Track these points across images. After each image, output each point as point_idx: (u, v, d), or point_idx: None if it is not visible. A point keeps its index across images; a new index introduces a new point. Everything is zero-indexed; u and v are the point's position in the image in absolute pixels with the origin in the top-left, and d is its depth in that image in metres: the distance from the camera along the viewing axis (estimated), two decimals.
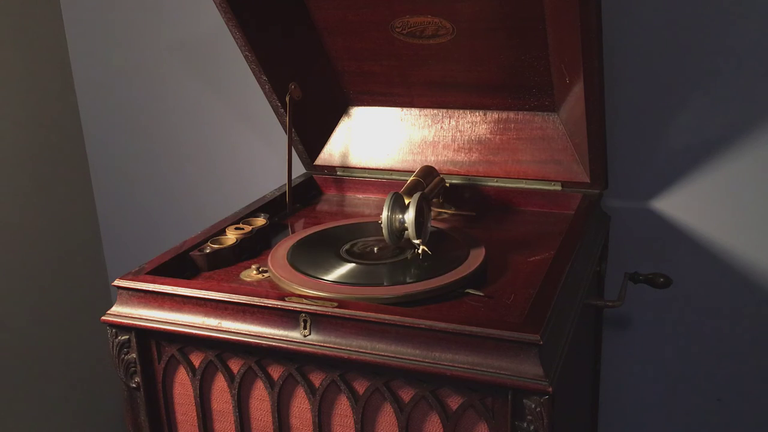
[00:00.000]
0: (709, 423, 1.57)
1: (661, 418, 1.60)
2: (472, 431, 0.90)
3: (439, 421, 0.91)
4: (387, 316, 0.90)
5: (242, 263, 1.17)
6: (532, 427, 0.84)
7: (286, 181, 1.41)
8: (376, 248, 1.15)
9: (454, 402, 0.90)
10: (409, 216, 1.09)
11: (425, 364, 0.88)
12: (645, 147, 1.46)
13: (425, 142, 1.47)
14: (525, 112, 1.40)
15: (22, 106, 1.82)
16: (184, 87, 1.83)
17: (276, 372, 0.98)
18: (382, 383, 0.92)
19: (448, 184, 1.37)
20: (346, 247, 1.17)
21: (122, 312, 1.04)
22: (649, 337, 1.56)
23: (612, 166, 1.46)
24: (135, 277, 1.05)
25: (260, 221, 1.28)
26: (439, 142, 1.46)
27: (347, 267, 1.10)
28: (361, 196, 1.51)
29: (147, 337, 1.04)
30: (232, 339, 0.97)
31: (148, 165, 1.94)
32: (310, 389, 0.97)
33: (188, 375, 1.04)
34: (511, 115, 1.41)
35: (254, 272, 1.12)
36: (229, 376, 1.01)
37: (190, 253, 1.15)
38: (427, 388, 0.90)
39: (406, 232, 1.10)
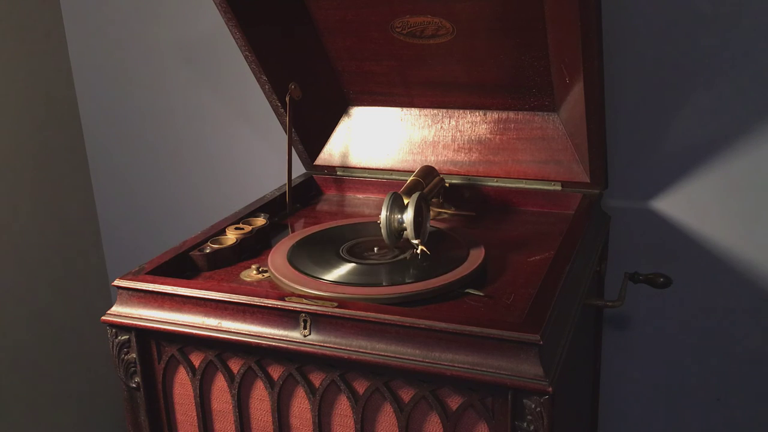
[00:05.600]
0: (709, 423, 1.57)
1: (661, 418, 1.60)
2: (472, 431, 0.90)
3: (439, 421, 0.91)
4: (387, 316, 0.90)
5: (242, 263, 1.17)
6: (532, 427, 0.84)
7: (286, 181, 1.41)
8: (376, 248, 1.15)
9: (454, 402, 0.90)
10: (408, 216, 1.09)
11: (425, 364, 0.88)
12: (645, 147, 1.46)
13: (425, 142, 1.47)
14: (525, 112, 1.40)
15: (22, 106, 1.82)
16: (184, 87, 1.83)
17: (276, 372, 0.98)
18: (382, 383, 0.92)
19: (447, 184, 1.37)
20: (346, 247, 1.17)
21: (122, 312, 1.04)
22: (649, 337, 1.56)
23: (612, 166, 1.46)
24: (135, 277, 1.05)
25: (260, 221, 1.28)
26: (439, 142, 1.46)
27: (347, 267, 1.10)
28: (361, 196, 1.51)
29: (147, 337, 1.04)
30: (232, 339, 0.97)
31: (148, 165, 1.94)
32: (310, 389, 0.97)
33: (188, 375, 1.04)
34: (511, 115, 1.41)
35: (254, 272, 1.12)
36: (229, 376, 1.01)
37: (190, 253, 1.15)
38: (427, 388, 0.90)
39: (404, 232, 1.10)
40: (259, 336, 0.96)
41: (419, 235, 1.11)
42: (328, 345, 0.92)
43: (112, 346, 1.05)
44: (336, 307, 0.93)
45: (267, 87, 1.39)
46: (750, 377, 1.51)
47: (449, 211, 1.36)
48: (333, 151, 1.54)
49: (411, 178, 1.28)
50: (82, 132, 1.99)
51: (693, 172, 1.45)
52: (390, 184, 1.47)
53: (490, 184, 1.41)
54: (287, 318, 0.95)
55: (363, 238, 1.20)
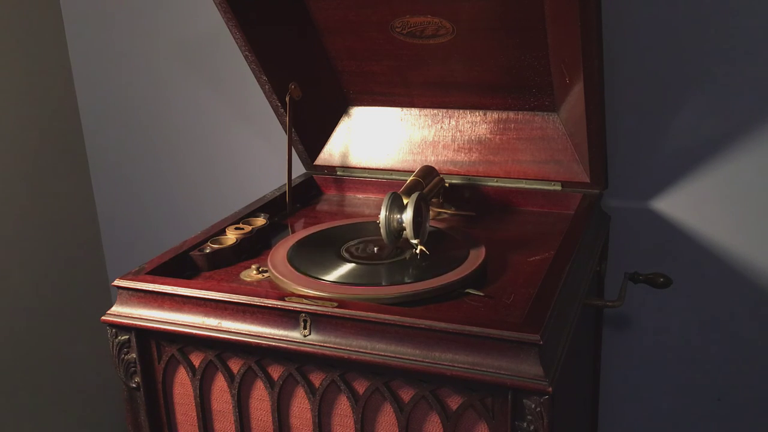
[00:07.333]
0: (709, 423, 1.57)
1: (661, 418, 1.60)
2: (472, 431, 0.90)
3: (439, 421, 0.91)
4: (387, 316, 0.90)
5: (242, 263, 1.17)
6: (532, 427, 0.84)
7: (286, 181, 1.41)
8: (376, 248, 1.15)
9: (454, 402, 0.90)
10: (407, 216, 1.09)
11: (425, 364, 0.88)
12: (645, 147, 1.46)
13: (425, 142, 1.47)
14: (525, 112, 1.40)
15: (22, 106, 1.82)
16: (184, 87, 1.83)
17: (276, 372, 0.98)
18: (382, 383, 0.92)
19: (447, 184, 1.37)
20: (346, 247, 1.17)
21: (122, 312, 1.04)
22: (649, 337, 1.56)
23: (612, 166, 1.46)
24: (135, 277, 1.05)
25: (260, 221, 1.28)
26: (439, 142, 1.46)
27: (347, 267, 1.10)
28: (361, 196, 1.51)
29: (147, 337, 1.04)
30: (232, 339, 0.97)
31: (148, 165, 1.94)
32: (310, 389, 0.97)
33: (188, 375, 1.04)
34: (511, 115, 1.41)
35: (254, 272, 1.12)
36: (229, 376, 1.01)
37: (190, 253, 1.15)
38: (427, 388, 0.90)
39: (404, 232, 1.10)
40: (259, 336, 0.96)
41: (418, 235, 1.11)
42: (328, 345, 0.92)
43: (112, 346, 1.05)
44: (336, 307, 0.93)
45: (267, 87, 1.39)
46: (750, 377, 1.51)
47: (449, 211, 1.36)
48: (333, 151, 1.54)
49: (411, 178, 1.28)
50: (82, 132, 1.99)
51: (693, 172, 1.45)
52: (390, 184, 1.47)
53: (490, 184, 1.41)
54: (287, 318, 0.95)
55: (363, 238, 1.20)
